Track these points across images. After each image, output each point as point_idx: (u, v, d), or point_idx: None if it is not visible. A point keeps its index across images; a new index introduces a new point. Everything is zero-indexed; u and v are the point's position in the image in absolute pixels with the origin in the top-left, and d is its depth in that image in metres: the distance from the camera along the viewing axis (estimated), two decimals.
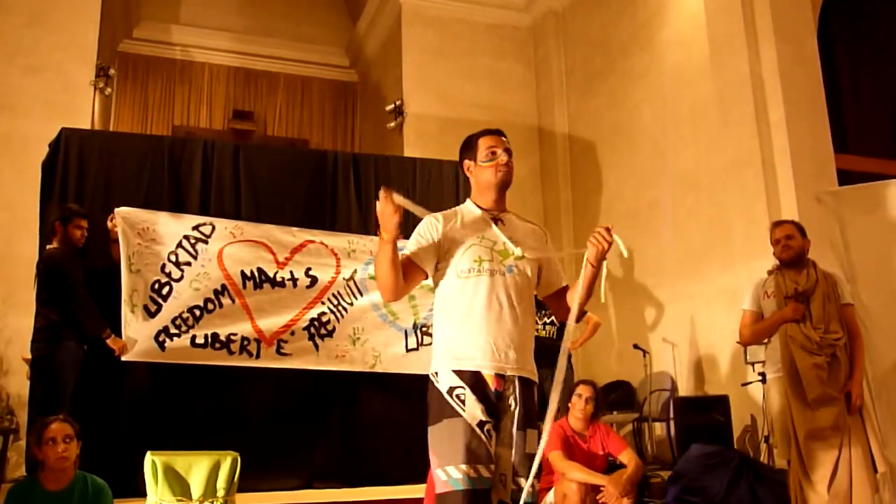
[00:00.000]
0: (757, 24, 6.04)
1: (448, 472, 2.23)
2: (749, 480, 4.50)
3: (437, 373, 2.37)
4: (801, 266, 3.96)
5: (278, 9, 10.54)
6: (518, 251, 2.44)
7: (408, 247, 2.48)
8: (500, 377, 2.34)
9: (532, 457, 2.32)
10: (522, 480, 2.32)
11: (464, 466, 2.21)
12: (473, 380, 2.31)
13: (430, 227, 2.49)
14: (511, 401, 2.35)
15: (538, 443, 2.36)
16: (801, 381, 3.75)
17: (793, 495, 3.76)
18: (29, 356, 4.59)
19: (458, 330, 2.38)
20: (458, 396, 2.29)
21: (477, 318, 2.36)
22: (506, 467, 2.32)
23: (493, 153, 2.53)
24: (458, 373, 2.32)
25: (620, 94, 7.82)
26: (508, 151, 2.55)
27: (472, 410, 2.27)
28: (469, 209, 2.57)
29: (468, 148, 2.62)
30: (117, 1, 8.48)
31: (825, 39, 6.57)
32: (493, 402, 2.32)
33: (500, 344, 2.35)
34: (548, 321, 5.62)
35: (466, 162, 2.61)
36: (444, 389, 2.32)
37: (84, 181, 4.97)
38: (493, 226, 2.50)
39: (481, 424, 2.26)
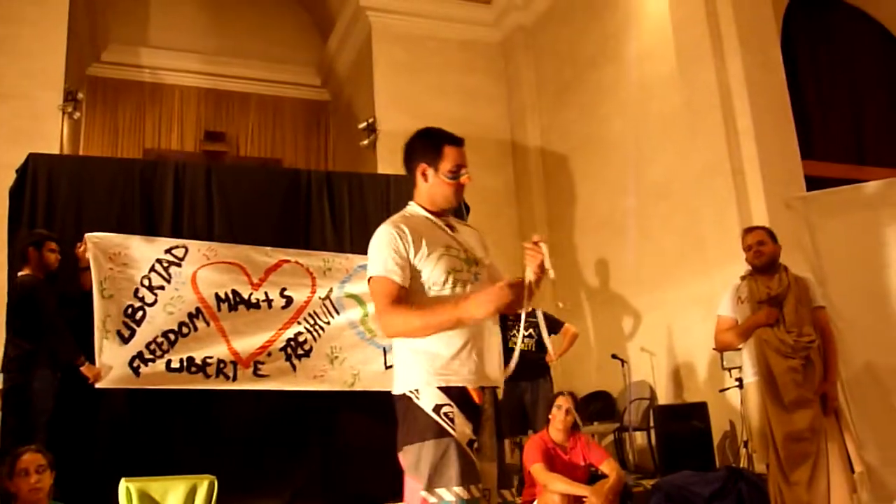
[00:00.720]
0: (722, 35, 6.15)
1: (439, 495, 2.13)
2: (736, 491, 4.51)
3: (417, 390, 2.24)
4: (773, 271, 4.00)
5: (248, 29, 10.52)
6: (482, 258, 2.38)
7: (386, 268, 2.27)
8: (480, 390, 2.27)
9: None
10: (505, 491, 2.32)
11: (457, 489, 2.12)
12: (460, 396, 2.22)
13: (400, 240, 2.28)
14: (489, 413, 2.31)
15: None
16: (777, 385, 3.79)
17: (772, 498, 3.80)
18: (0, 386, 4.50)
19: (441, 345, 2.24)
20: (446, 415, 2.18)
21: (459, 332, 2.24)
22: (491, 482, 2.29)
23: (459, 171, 2.37)
24: (445, 390, 2.21)
25: (591, 106, 7.89)
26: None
27: (462, 429, 2.18)
28: (418, 214, 2.40)
29: (429, 151, 2.38)
30: (84, 24, 8.41)
31: (789, 48, 6.70)
32: (478, 418, 2.25)
33: (483, 356, 2.28)
34: (526, 334, 5.60)
35: (423, 165, 2.37)
36: (428, 408, 2.20)
37: (53, 207, 4.90)
38: (451, 233, 2.39)
39: (471, 443, 2.19)
